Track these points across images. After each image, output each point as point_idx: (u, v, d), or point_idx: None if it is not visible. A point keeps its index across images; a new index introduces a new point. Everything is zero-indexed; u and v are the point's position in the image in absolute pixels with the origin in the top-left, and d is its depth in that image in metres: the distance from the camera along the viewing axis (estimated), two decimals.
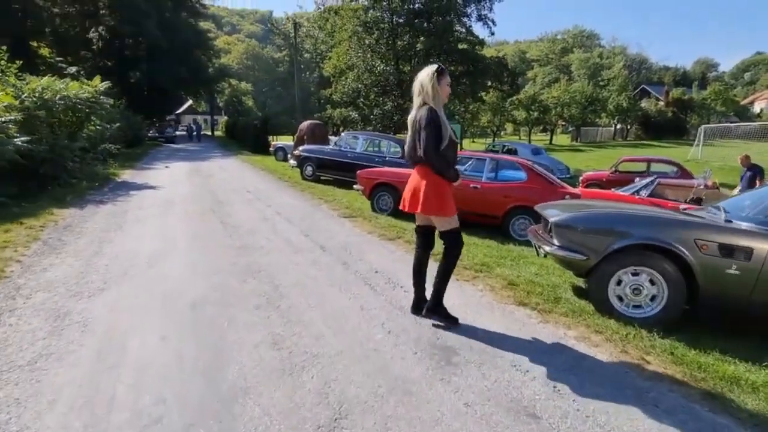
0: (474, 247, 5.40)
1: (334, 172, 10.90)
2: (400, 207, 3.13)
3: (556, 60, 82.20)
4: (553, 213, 3.81)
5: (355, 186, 7.66)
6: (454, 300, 3.50)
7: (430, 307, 3.13)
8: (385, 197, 7.27)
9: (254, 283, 3.76)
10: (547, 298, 3.63)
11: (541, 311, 3.37)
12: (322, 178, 11.30)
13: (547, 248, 3.54)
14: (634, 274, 3.31)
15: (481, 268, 4.41)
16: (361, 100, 19.93)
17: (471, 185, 6.62)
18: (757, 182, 8.78)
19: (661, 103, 49.52)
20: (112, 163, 12.49)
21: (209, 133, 43.55)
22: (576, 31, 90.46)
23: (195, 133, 33.46)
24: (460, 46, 20.03)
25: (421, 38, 20.12)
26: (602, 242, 3.33)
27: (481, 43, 21.29)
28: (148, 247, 4.81)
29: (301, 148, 11.66)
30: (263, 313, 3.16)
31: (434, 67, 2.86)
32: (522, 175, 6.56)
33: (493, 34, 21.12)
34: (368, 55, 19.12)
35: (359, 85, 19.21)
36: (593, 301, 3.46)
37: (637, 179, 10.42)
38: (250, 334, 2.86)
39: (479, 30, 26.61)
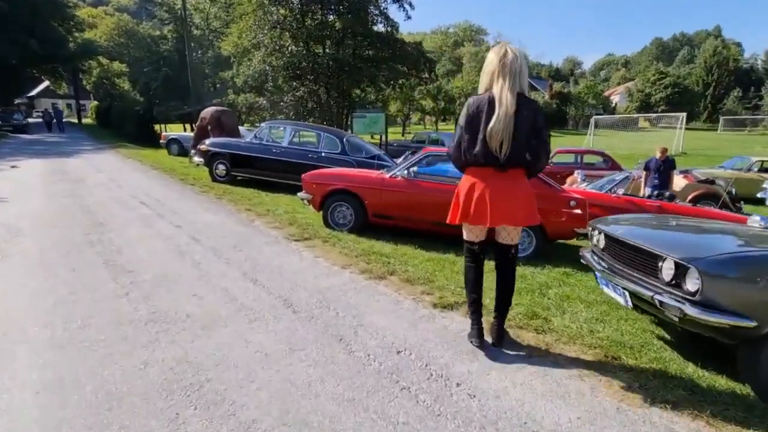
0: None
1: (256, 172, 8.79)
2: (482, 222, 2.51)
3: (449, 52, 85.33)
4: (676, 245, 2.56)
5: (299, 194, 5.83)
6: (556, 413, 2.05)
7: (503, 336, 2.70)
8: (342, 208, 5.57)
9: (200, 425, 1.91)
10: (677, 382, 2.37)
11: (711, 424, 2.08)
12: (238, 178, 9.09)
13: (689, 310, 2.27)
14: None
15: (532, 323, 3.05)
16: (270, 84, 17.46)
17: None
18: (672, 174, 8.71)
19: (546, 96, 53.91)
20: None
21: (75, 120, 36.37)
22: (466, 25, 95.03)
23: (54, 120, 27.35)
24: (375, 29, 18.55)
25: (331, 17, 18.22)
26: None
27: (396, 27, 20.01)
28: None
29: (209, 141, 9.26)
30: None
31: (510, 44, 2.45)
32: None
33: (409, 17, 20.02)
34: (276, 33, 16.69)
35: (267, 68, 16.73)
36: (756, 384, 2.29)
37: (577, 172, 10.08)
38: None
39: (394, 13, 24.93)
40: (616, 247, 3.12)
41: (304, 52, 16.72)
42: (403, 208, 5.40)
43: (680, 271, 2.40)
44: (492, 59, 2.42)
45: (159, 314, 2.94)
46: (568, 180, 10.07)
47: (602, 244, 3.36)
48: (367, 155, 8.45)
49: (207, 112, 11.71)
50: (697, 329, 2.42)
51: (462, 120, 2.47)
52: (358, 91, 20.55)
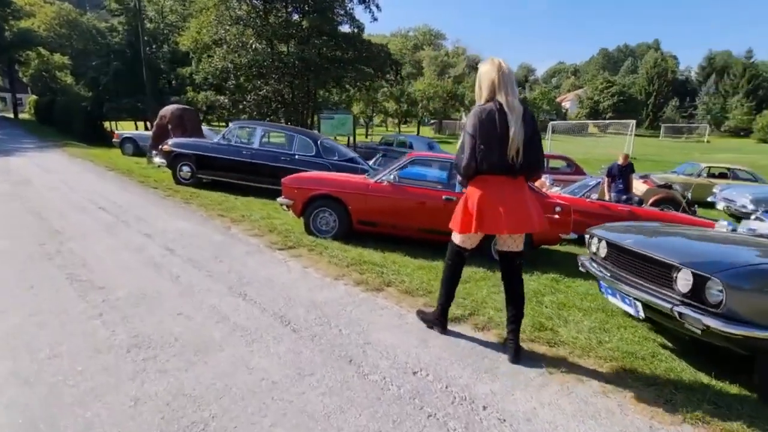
0: (470, 283, 4.00)
1: (224, 174, 8.33)
2: (497, 231, 2.52)
3: (409, 55, 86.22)
4: (690, 256, 2.56)
5: (279, 199, 5.53)
6: None
7: (520, 350, 2.64)
8: (325, 215, 5.33)
9: None
10: (699, 395, 2.36)
11: None
12: (204, 180, 8.58)
13: (712, 323, 2.26)
14: None
15: (542, 336, 2.98)
16: (232, 82, 16.76)
17: (443, 196, 5.15)
18: (631, 178, 9.02)
19: None
20: None
21: (10, 115, 33.50)
22: (425, 29, 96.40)
23: None
24: (342, 30, 18.26)
25: (296, 16, 17.74)
26: None
27: (362, 28, 19.75)
28: None
29: (172, 141, 8.69)
30: None
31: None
32: None
33: (375, 19, 19.85)
34: (240, 29, 16.05)
35: (229, 65, 16.03)
36: None
37: (545, 176, 10.30)
38: None
39: (360, 14, 23.63)
40: (620, 255, 3.11)
41: (269, 50, 16.21)
42: (389, 214, 5.25)
43: (699, 282, 2.40)
44: (489, 70, 2.48)
45: (142, 338, 2.62)
46: (536, 184, 10.24)
47: (603, 252, 3.35)
48: (342, 158, 8.22)
49: (167, 110, 11.05)
50: (713, 340, 2.42)
51: (472, 129, 2.44)
52: (322, 92, 20.21)
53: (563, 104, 68.60)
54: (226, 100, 17.30)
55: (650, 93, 61.59)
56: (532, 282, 4.43)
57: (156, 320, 2.86)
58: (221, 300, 3.23)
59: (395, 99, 37.55)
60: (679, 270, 2.52)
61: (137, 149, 13.88)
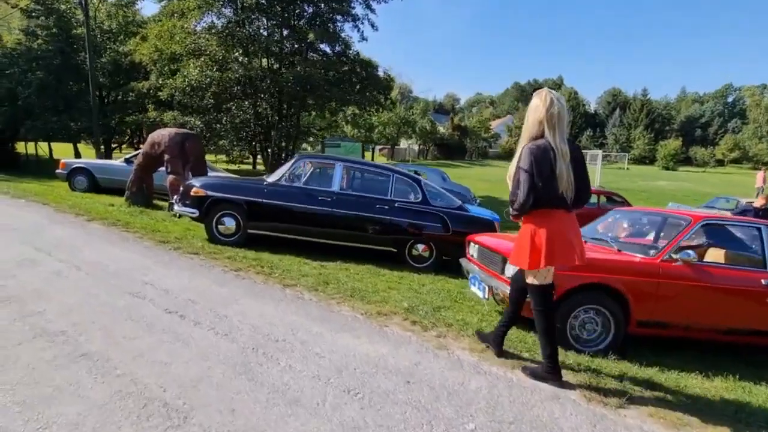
0: None
1: (290, 228, 5.87)
2: (569, 263, 2.61)
3: None
4: None
5: (502, 287, 3.42)
6: None
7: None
8: (589, 314, 3.33)
9: None
10: None
11: None
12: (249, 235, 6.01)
13: None
14: None
15: None
16: (210, 101, 13.83)
17: (762, 280, 3.44)
18: None
19: (450, 129, 56.60)
20: None
21: None
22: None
23: None
24: (337, 48, 16.22)
25: (275, 28, 15.35)
26: None
27: (349, 46, 17.75)
28: None
29: (201, 182, 6.01)
30: None
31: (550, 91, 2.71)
32: None
33: (364, 39, 18.11)
34: (223, 39, 13.34)
35: (207, 80, 13.15)
36: None
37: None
38: None
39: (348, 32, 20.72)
40: None
41: (259, 65, 13.68)
42: (689, 309, 3.39)
43: None
44: (537, 107, 2.62)
45: None
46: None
47: None
48: (451, 206, 6.22)
49: (161, 135, 8.22)
50: None
51: (528, 166, 2.49)
52: (306, 114, 17.87)
53: (493, 131, 72.05)
54: (199, 123, 14.27)
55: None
56: None
57: None
58: None
59: (354, 123, 35.83)
60: None
61: (93, 183, 10.54)
